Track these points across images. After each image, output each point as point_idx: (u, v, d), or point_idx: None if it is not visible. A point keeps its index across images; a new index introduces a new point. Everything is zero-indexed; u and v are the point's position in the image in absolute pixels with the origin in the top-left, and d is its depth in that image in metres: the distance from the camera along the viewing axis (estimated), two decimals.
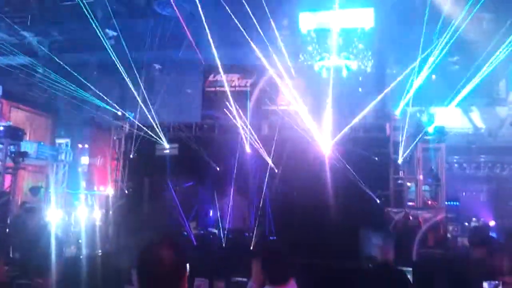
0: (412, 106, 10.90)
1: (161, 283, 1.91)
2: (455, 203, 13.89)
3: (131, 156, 11.94)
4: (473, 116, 22.00)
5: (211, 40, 10.14)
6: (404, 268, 6.12)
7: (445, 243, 9.31)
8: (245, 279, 5.68)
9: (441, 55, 10.07)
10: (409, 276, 6.02)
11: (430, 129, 10.01)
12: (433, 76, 16.30)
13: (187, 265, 2.04)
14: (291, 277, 3.14)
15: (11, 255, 8.29)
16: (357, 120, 10.68)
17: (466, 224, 15.11)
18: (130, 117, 12.04)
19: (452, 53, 14.43)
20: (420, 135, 10.09)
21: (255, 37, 10.72)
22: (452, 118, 17.15)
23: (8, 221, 10.43)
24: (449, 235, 11.11)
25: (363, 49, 14.41)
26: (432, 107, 11.46)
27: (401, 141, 10.40)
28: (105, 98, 12.00)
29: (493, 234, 10.44)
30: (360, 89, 13.56)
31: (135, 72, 11.36)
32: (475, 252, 5.36)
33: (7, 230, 10.14)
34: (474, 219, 16.64)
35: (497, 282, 3.15)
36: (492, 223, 15.17)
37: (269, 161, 10.73)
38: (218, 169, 11.21)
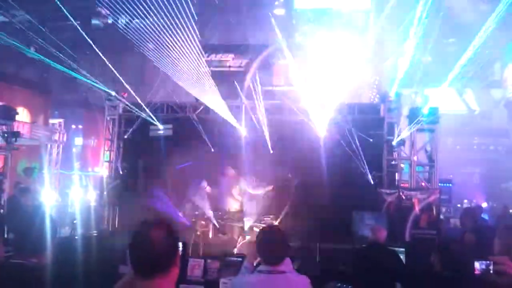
0: (407, 88, 10.89)
1: (153, 263, 1.91)
2: (448, 184, 14.00)
3: (125, 136, 11.89)
4: (467, 98, 22.07)
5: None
6: (397, 249, 6.19)
7: (437, 225, 9.41)
8: (239, 259, 5.73)
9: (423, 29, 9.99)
10: (402, 256, 6.09)
11: (425, 110, 10.02)
12: (429, 58, 16.25)
13: (180, 244, 2.04)
14: (286, 256, 3.16)
15: (5, 236, 8.31)
16: (351, 101, 10.67)
17: (458, 205, 15.27)
18: (123, 97, 11.95)
19: (448, 35, 14.37)
20: (412, 115, 10.09)
21: (249, 16, 10.62)
22: (446, 100, 17.17)
23: (2, 202, 10.42)
24: (441, 217, 11.22)
25: (359, 31, 14.31)
26: (427, 89, 11.47)
27: (396, 123, 10.42)
28: (98, 78, 11.88)
29: (485, 216, 10.58)
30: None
31: (128, 51, 11.23)
32: (465, 237, 5.43)
33: (1, 210, 10.13)
34: (465, 200, 16.81)
35: (488, 262, 3.18)
36: (484, 204, 15.34)
37: (264, 141, 10.73)
38: (212, 150, 11.20)
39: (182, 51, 8.87)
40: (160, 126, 11.54)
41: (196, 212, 10.27)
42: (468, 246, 4.92)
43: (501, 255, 3.16)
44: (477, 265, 3.15)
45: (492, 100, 21.92)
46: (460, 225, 9.15)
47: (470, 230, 6.48)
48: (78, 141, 19.51)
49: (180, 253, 2.05)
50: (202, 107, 11.63)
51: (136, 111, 11.49)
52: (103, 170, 12.24)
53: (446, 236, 9.18)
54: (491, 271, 3.05)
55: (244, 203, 10.43)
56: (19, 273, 2.71)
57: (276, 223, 9.33)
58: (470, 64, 10.22)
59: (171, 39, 8.57)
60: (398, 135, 10.26)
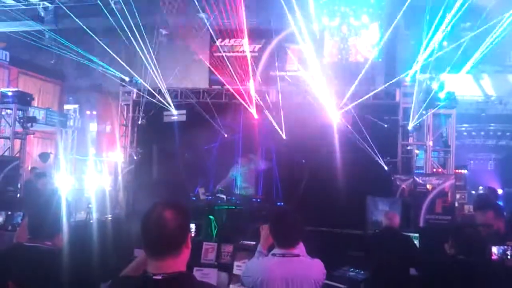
0: (422, 73, 10.73)
1: (164, 242, 1.92)
2: (463, 171, 13.86)
3: (139, 122, 11.95)
4: (483, 84, 21.74)
5: None
6: (411, 234, 6.17)
7: (452, 210, 9.33)
8: (253, 243, 5.75)
9: (453, 20, 9.84)
10: (416, 242, 6.07)
11: (441, 95, 9.89)
12: (445, 43, 15.97)
13: (193, 226, 2.04)
14: (300, 240, 3.16)
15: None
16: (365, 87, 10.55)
17: (473, 192, 15.12)
18: (138, 83, 11.99)
19: (464, 19, 14.07)
20: (428, 100, 9.96)
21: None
22: (462, 85, 16.93)
23: (19, 186, 10.58)
24: (456, 203, 11.13)
25: (373, 14, 14.08)
26: (443, 74, 11.30)
27: (412, 108, 10.30)
28: (112, 63, 11.93)
29: (500, 202, 10.47)
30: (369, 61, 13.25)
31: (142, 37, 11.23)
32: (478, 216, 5.32)
33: (18, 195, 10.29)
34: (480, 187, 16.65)
35: (505, 247, 3.15)
36: (500, 191, 15.17)
37: (277, 127, 10.71)
38: (226, 135, 11.22)
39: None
40: (174, 112, 11.57)
41: (210, 197, 10.33)
42: (483, 229, 4.84)
43: None
44: (494, 250, 3.13)
45: (509, 85, 21.54)
46: (473, 211, 9.08)
47: (482, 212, 6.37)
48: (93, 126, 19.68)
49: (193, 234, 2.06)
50: (215, 92, 11.63)
51: (150, 97, 11.52)
52: (117, 156, 12.35)
53: (461, 221, 9.11)
54: (509, 256, 3.03)
55: (258, 188, 10.48)
56: (34, 256, 2.73)
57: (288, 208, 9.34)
58: (486, 49, 10.04)
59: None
60: (413, 121, 10.16)
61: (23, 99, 11.36)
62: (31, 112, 12.14)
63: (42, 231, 2.89)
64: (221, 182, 10.55)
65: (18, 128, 11.34)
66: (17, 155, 11.17)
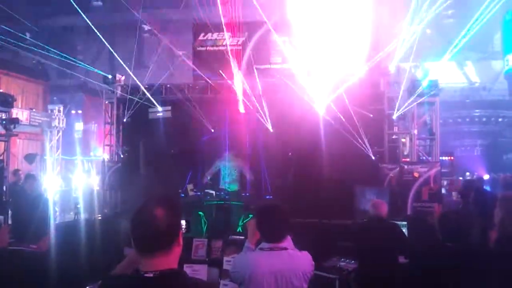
0: (406, 61, 10.79)
1: (155, 239, 1.91)
2: (449, 157, 13.98)
3: (124, 120, 11.86)
4: (467, 71, 21.93)
5: None
6: (399, 222, 6.21)
7: (439, 197, 9.42)
8: (242, 237, 5.76)
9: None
10: (404, 230, 6.11)
11: (425, 83, 9.94)
12: (428, 30, 16.06)
13: (183, 222, 2.03)
14: (287, 234, 3.15)
15: (9, 222, 8.37)
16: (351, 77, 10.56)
17: (460, 178, 15.29)
18: (121, 81, 11.88)
19: (447, 6, 14.15)
20: (413, 88, 10.01)
21: None
22: (446, 73, 17.07)
23: (4, 189, 10.44)
24: (443, 190, 11.23)
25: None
26: (427, 62, 11.36)
27: (396, 97, 10.35)
28: (95, 61, 11.81)
29: (487, 188, 10.59)
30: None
31: (124, 34, 11.14)
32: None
33: (4, 198, 10.15)
34: (467, 173, 16.83)
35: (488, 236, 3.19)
36: (486, 176, 15.34)
37: (263, 120, 10.70)
38: (212, 130, 11.19)
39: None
40: (159, 108, 11.51)
41: (199, 193, 10.32)
42: (469, 217, 4.90)
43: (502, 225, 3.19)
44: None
45: (493, 72, 21.77)
46: (460, 197, 9.19)
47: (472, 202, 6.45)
48: (79, 126, 19.49)
49: (184, 231, 2.05)
50: (199, 87, 11.57)
51: (134, 94, 11.44)
52: (104, 154, 12.25)
53: (448, 208, 9.19)
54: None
55: (246, 182, 10.49)
56: (18, 260, 2.70)
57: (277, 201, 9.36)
58: (470, 36, 10.10)
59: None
60: (398, 109, 10.21)
61: (5, 101, 11.19)
62: (14, 113, 11.96)
63: (27, 234, 2.85)
64: (208, 171, 10.66)
65: (1, 130, 11.17)
66: (1, 157, 11.02)
